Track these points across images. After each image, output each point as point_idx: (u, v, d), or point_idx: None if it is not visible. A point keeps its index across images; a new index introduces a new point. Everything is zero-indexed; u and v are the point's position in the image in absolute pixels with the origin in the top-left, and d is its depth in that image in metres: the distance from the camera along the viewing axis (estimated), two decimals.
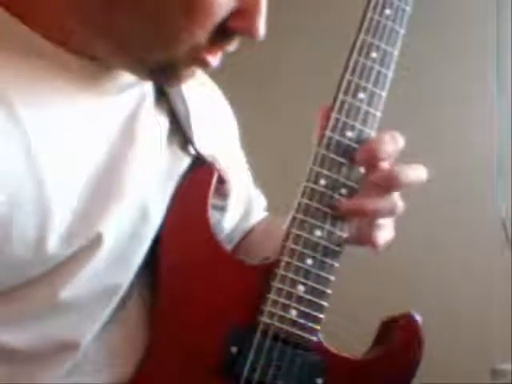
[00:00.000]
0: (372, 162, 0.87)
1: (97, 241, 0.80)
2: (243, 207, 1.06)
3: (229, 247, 1.05)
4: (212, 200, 0.90)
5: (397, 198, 0.89)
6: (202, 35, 0.77)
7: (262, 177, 1.12)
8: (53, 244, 0.77)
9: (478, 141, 2.19)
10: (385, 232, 0.90)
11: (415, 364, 0.92)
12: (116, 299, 0.84)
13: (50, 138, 0.78)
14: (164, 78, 0.82)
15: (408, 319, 0.93)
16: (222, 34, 0.78)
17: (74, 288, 0.80)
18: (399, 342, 0.93)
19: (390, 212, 0.88)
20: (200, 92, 1.00)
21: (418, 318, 0.93)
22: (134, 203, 0.83)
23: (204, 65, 0.81)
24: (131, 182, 0.83)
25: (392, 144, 0.88)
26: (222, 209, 0.94)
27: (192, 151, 0.90)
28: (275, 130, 2.19)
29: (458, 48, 2.22)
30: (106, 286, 0.82)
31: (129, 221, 0.83)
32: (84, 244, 0.79)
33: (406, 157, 2.44)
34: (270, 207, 1.15)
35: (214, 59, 0.81)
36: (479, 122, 2.20)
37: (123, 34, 0.77)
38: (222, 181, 0.92)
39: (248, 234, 1.08)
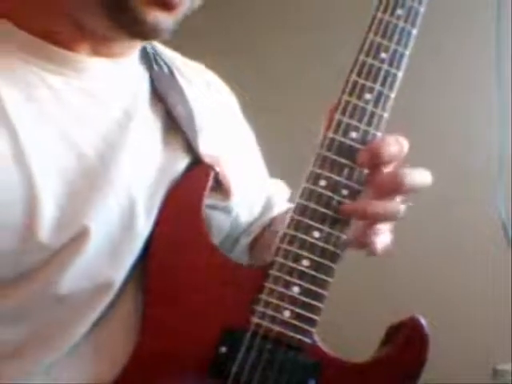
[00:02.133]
0: (374, 163, 0.86)
1: (84, 233, 0.80)
2: (261, 205, 1.06)
3: (247, 241, 1.05)
4: (212, 200, 0.90)
5: (399, 203, 0.88)
6: None
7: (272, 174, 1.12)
8: (43, 233, 0.78)
9: (478, 141, 2.20)
10: (383, 236, 0.89)
11: (417, 369, 0.90)
12: (109, 296, 0.84)
13: (37, 128, 0.79)
14: (127, 20, 0.80)
15: (412, 323, 0.91)
16: None
17: (66, 283, 0.80)
18: (402, 346, 0.91)
19: (392, 216, 0.87)
20: (212, 97, 1.00)
21: (423, 321, 0.92)
22: (121, 200, 0.84)
23: (162, 3, 0.80)
24: (119, 178, 0.83)
25: (396, 146, 0.87)
26: (225, 209, 0.94)
27: (192, 153, 0.90)
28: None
29: (458, 47, 2.22)
30: (97, 281, 0.82)
31: (117, 216, 0.83)
32: (72, 236, 0.79)
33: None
34: None
35: None
36: (479, 122, 2.20)
37: None
38: (220, 182, 0.91)
39: (266, 227, 1.07)
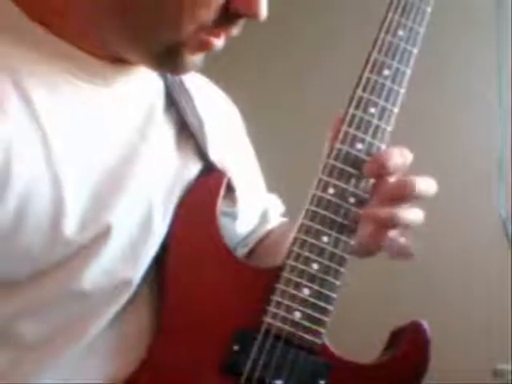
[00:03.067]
0: (380, 173, 0.90)
1: (107, 231, 0.83)
2: (258, 216, 1.08)
3: (243, 252, 1.07)
4: (222, 206, 0.92)
5: (408, 210, 0.91)
6: (205, 16, 0.79)
7: (274, 182, 1.13)
8: (69, 228, 0.80)
9: (478, 141, 2.20)
10: (395, 241, 0.95)
11: (421, 372, 0.94)
12: (126, 294, 0.86)
13: (65, 130, 0.81)
14: (171, 63, 0.85)
15: (414, 328, 0.95)
16: (226, 15, 0.80)
17: (88, 278, 0.82)
18: (406, 350, 0.94)
19: (403, 221, 0.91)
20: (213, 104, 1.03)
21: (425, 325, 0.96)
22: (140, 201, 0.86)
23: (208, 47, 0.83)
24: (138, 181, 0.86)
25: (400, 158, 0.90)
26: (232, 215, 0.96)
27: (203, 159, 0.93)
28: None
29: (458, 48, 2.23)
30: (117, 279, 0.84)
31: (137, 217, 0.86)
32: (95, 233, 0.82)
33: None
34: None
35: (218, 40, 0.83)
36: (480, 122, 2.21)
37: (131, 19, 0.81)
38: (231, 188, 0.94)
39: (263, 239, 1.10)
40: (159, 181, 0.88)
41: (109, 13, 0.81)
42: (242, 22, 0.83)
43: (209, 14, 0.79)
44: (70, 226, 0.81)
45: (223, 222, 0.92)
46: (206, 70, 1.02)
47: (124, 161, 0.85)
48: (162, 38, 0.82)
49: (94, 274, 0.83)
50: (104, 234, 0.83)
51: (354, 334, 1.94)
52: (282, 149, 2.14)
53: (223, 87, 1.10)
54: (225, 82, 1.08)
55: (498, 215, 2.09)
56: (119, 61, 0.87)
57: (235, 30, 0.84)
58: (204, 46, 0.83)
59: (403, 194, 0.89)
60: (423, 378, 0.94)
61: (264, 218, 1.09)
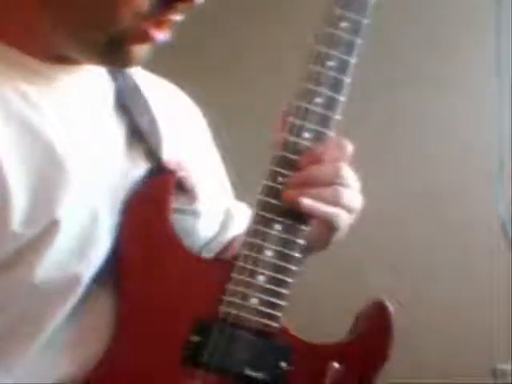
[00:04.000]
0: (318, 160, 0.92)
1: (54, 225, 0.84)
2: (221, 217, 1.08)
3: (208, 256, 1.08)
4: (178, 204, 0.94)
5: (345, 192, 0.92)
6: (141, 3, 0.82)
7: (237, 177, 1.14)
8: (15, 222, 0.82)
9: (478, 141, 2.20)
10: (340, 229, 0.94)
11: (383, 351, 0.94)
12: (78, 290, 0.87)
13: (11, 130, 0.84)
14: (114, 56, 0.87)
15: (376, 306, 0.95)
16: (165, 2, 0.83)
17: (39, 273, 0.84)
18: (366, 328, 0.95)
19: (336, 178, 0.91)
20: (174, 107, 1.04)
21: (387, 303, 0.95)
22: (87, 197, 0.88)
23: (150, 38, 0.85)
24: (85, 177, 0.88)
25: (337, 149, 0.92)
26: (192, 213, 0.98)
27: (155, 160, 0.94)
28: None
29: (458, 47, 2.23)
30: (67, 274, 0.86)
31: (85, 212, 0.88)
32: (43, 227, 0.84)
33: (407, 156, 2.43)
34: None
35: (160, 32, 0.85)
36: (480, 123, 2.21)
37: (67, 15, 0.84)
38: (187, 187, 0.96)
39: (227, 246, 1.10)
40: (105, 178, 0.90)
41: (45, 12, 0.84)
42: (181, 10, 0.85)
43: (143, 1, 0.82)
44: (17, 220, 0.82)
45: (180, 219, 0.94)
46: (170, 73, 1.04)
47: (69, 157, 0.86)
48: (101, 30, 0.84)
49: (45, 268, 0.84)
50: (52, 228, 0.84)
51: None
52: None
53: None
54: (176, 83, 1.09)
55: (498, 216, 2.09)
56: (67, 61, 0.89)
57: (175, 17, 0.85)
58: (145, 37, 0.85)
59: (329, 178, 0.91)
60: (386, 356, 0.94)
61: (227, 223, 1.09)
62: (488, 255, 2.15)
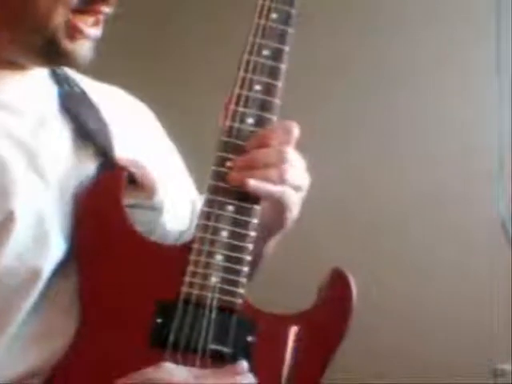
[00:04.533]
0: (263, 147, 0.96)
1: (10, 219, 0.88)
2: (189, 211, 1.11)
3: None
4: (135, 200, 0.98)
5: (291, 172, 0.96)
6: None
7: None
8: None
9: (478, 141, 2.20)
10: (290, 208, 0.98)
11: (343, 318, 0.97)
12: (39, 282, 0.90)
13: None
14: (54, 54, 0.91)
15: (334, 275, 0.98)
16: None
17: (1, 265, 0.87)
18: (327, 296, 0.98)
19: (280, 158, 0.95)
20: (122, 109, 1.08)
21: (345, 271, 0.98)
22: (38, 193, 0.92)
23: (80, 32, 0.90)
24: (34, 175, 0.92)
25: (282, 132, 0.96)
26: (154, 208, 1.01)
27: (104, 157, 0.98)
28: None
29: (458, 47, 2.23)
30: (27, 266, 0.89)
31: (38, 207, 0.91)
32: (0, 220, 0.87)
33: (407, 156, 2.43)
34: None
35: (91, 27, 0.91)
36: (479, 122, 2.21)
37: (5, 23, 0.89)
38: (140, 181, 0.99)
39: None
40: (52, 177, 0.93)
41: None
42: (111, 2, 0.90)
43: None
44: None
45: (139, 213, 0.98)
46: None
47: (19, 156, 0.91)
48: (36, 30, 0.89)
49: (6, 261, 0.88)
50: (8, 221, 0.88)
51: None
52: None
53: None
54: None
55: (498, 215, 2.09)
56: (13, 66, 0.93)
57: (104, 8, 0.90)
58: (77, 32, 0.90)
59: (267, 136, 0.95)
60: (347, 322, 0.97)
61: (193, 218, 1.11)
62: (488, 255, 2.15)
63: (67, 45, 0.90)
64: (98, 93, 1.05)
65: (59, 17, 0.88)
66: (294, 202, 0.98)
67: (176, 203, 1.06)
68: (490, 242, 2.13)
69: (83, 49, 0.92)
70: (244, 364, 0.90)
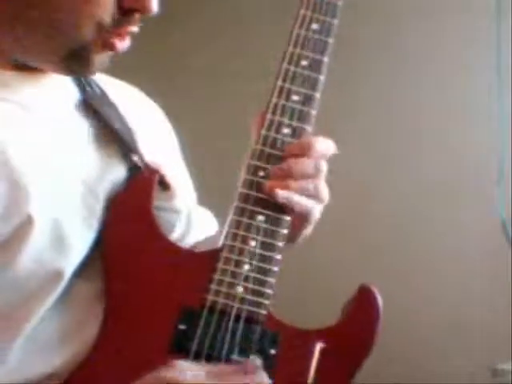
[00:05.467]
0: (300, 154, 0.96)
1: (29, 222, 0.87)
2: (185, 220, 1.10)
3: None
4: (159, 202, 0.97)
5: (322, 185, 0.96)
6: (101, 13, 0.87)
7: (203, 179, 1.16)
8: None
9: (478, 142, 2.20)
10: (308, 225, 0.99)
11: (369, 335, 0.96)
12: (59, 284, 0.90)
13: None
14: (78, 66, 0.92)
15: (362, 291, 0.98)
16: (123, 13, 0.88)
17: (21, 267, 0.87)
18: (353, 312, 0.97)
19: (316, 171, 0.95)
20: (140, 110, 1.08)
21: (372, 287, 0.98)
22: (62, 196, 0.91)
23: (113, 48, 0.90)
24: (59, 178, 0.91)
25: (323, 144, 0.96)
26: (175, 210, 1.02)
27: (130, 162, 0.98)
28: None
29: (458, 47, 2.23)
30: (48, 269, 0.89)
31: (62, 209, 0.91)
32: (18, 224, 0.87)
33: (406, 156, 2.43)
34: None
35: (122, 42, 0.91)
36: (479, 122, 2.21)
37: (29, 29, 0.88)
38: (166, 184, 0.99)
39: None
40: (72, 178, 0.93)
41: (8, 27, 0.88)
42: (138, 19, 0.90)
43: (104, 11, 0.87)
44: None
45: (163, 216, 0.98)
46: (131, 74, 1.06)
47: (36, 158, 0.91)
48: (63, 42, 0.89)
49: (25, 263, 0.87)
50: (26, 225, 0.87)
51: None
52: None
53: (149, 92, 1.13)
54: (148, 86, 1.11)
55: (498, 215, 2.09)
56: (30, 69, 0.92)
57: (134, 27, 0.91)
58: (108, 47, 0.90)
59: (303, 151, 0.95)
60: (373, 339, 0.96)
61: (189, 227, 1.10)
62: (488, 256, 2.15)
63: (93, 57, 0.90)
64: (115, 90, 1.05)
65: (91, 34, 0.88)
66: (317, 215, 0.98)
67: (187, 207, 1.05)
68: (490, 242, 2.13)
69: (105, 60, 0.93)
70: (257, 361, 0.90)
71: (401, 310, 2.15)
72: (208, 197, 1.15)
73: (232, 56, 2.25)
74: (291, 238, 0.99)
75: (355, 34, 2.20)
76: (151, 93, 1.11)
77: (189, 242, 1.08)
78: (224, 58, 2.26)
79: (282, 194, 0.93)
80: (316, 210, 0.97)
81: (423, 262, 2.23)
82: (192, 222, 1.09)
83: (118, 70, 1.02)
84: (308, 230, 1.01)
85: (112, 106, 1.01)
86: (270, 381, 0.89)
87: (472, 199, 2.20)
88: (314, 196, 0.95)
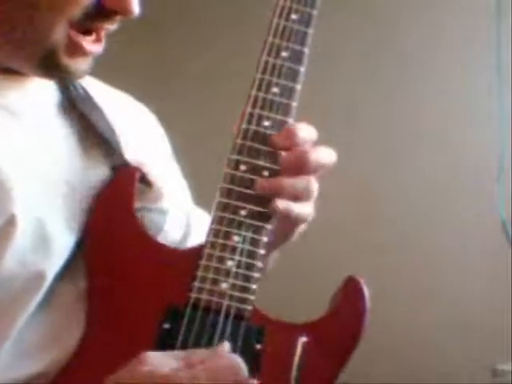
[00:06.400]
0: (287, 145, 0.94)
1: (11, 222, 0.87)
2: (184, 221, 1.09)
3: None
4: (143, 203, 0.96)
5: (312, 182, 0.94)
6: (75, 12, 0.86)
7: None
8: None
9: (478, 142, 2.20)
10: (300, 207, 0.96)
11: (357, 328, 0.95)
12: (43, 286, 0.89)
13: None
14: (53, 69, 0.91)
15: (348, 283, 0.96)
16: (105, 16, 0.88)
17: (4, 268, 0.86)
18: (339, 305, 0.96)
19: (306, 191, 0.94)
20: (127, 113, 1.07)
21: (358, 278, 0.96)
22: (44, 196, 0.91)
23: (83, 52, 0.89)
24: (41, 178, 0.91)
25: (306, 131, 0.94)
26: (161, 211, 1.00)
27: (114, 161, 0.97)
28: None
29: (459, 47, 2.23)
30: (31, 270, 0.88)
31: (43, 210, 0.90)
32: (2, 223, 0.86)
33: (406, 156, 2.43)
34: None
35: (92, 45, 0.90)
36: (479, 122, 2.21)
37: (6, 35, 0.88)
38: (151, 184, 0.98)
39: None
40: (55, 179, 0.93)
41: None
42: (115, 20, 0.89)
43: (78, 8, 0.86)
44: None
45: (147, 216, 0.97)
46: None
47: (20, 159, 0.90)
48: (37, 43, 0.88)
49: (8, 265, 0.87)
50: (9, 225, 0.87)
51: None
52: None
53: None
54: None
55: (498, 216, 2.09)
56: (13, 73, 0.92)
57: (108, 26, 0.90)
58: (78, 49, 0.89)
59: (302, 164, 0.93)
60: (359, 333, 0.94)
61: (189, 228, 1.10)
62: (488, 255, 2.16)
63: (66, 60, 0.89)
64: (102, 94, 1.04)
65: (60, 32, 0.87)
66: (310, 214, 0.96)
67: (177, 209, 1.05)
68: (490, 242, 2.13)
69: (82, 65, 0.91)
70: (226, 345, 0.89)
71: (400, 309, 2.16)
72: (204, 200, 1.14)
73: (228, 59, 2.25)
74: (285, 236, 0.99)
75: (355, 34, 2.20)
76: (147, 97, 1.10)
77: (190, 244, 1.07)
78: (219, 62, 2.26)
79: (276, 206, 0.91)
80: (309, 211, 0.95)
81: (423, 261, 2.23)
82: (191, 224, 1.08)
83: (112, 74, 1.02)
84: (302, 227, 0.99)
85: (96, 107, 1.01)
86: (241, 360, 0.86)
87: (472, 199, 2.20)
88: (307, 197, 0.94)
